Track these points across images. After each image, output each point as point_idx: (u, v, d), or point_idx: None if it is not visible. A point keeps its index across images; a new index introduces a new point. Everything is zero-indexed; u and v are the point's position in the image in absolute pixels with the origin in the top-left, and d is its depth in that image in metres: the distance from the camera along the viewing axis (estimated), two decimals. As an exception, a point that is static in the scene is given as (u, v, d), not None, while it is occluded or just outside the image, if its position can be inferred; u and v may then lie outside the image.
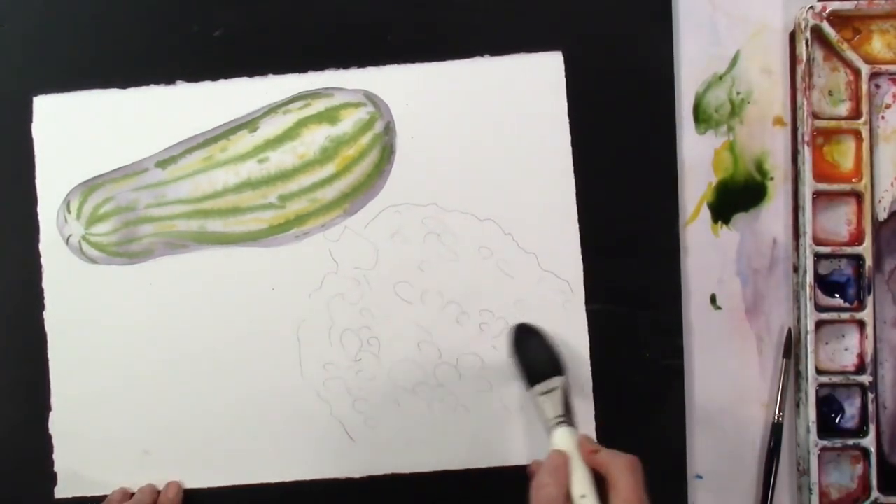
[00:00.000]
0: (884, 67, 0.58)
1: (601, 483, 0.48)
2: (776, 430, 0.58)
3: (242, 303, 0.59)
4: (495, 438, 0.59)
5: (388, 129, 0.59)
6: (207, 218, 0.60)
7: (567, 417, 0.53)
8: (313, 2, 0.60)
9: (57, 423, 0.60)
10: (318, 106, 0.60)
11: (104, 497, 0.59)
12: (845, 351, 0.58)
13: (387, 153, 0.59)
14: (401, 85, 0.59)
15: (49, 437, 0.60)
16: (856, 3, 0.58)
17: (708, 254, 0.60)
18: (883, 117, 0.59)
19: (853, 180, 0.58)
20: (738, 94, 0.60)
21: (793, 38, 0.59)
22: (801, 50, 0.58)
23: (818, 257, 0.58)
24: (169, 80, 0.60)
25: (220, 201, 0.60)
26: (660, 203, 0.59)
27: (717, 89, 0.60)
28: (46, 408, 0.60)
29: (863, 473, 0.58)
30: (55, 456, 0.60)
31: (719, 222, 0.60)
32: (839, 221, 0.59)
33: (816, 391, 0.57)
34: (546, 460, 0.50)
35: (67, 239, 0.60)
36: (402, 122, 0.59)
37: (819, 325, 0.57)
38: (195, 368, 0.59)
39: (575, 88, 0.59)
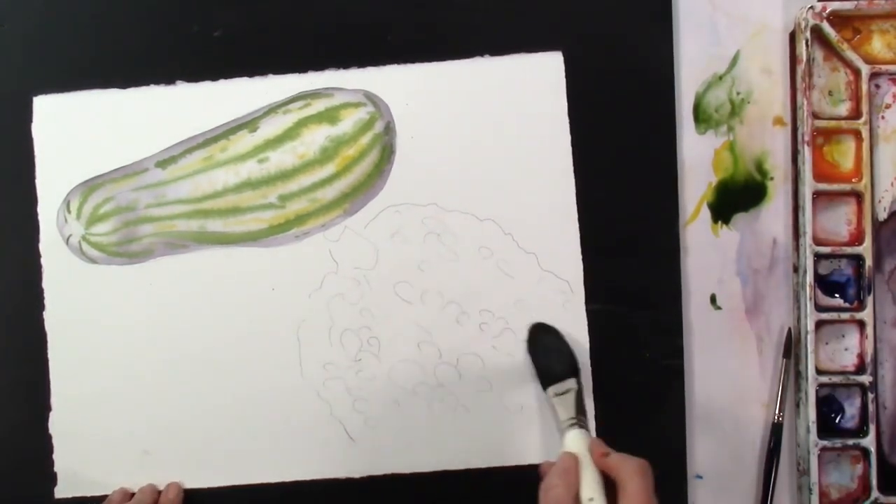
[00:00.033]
0: (884, 67, 0.58)
1: (611, 486, 0.48)
2: (776, 430, 0.58)
3: (242, 303, 0.59)
4: (495, 438, 0.59)
5: (388, 129, 0.59)
6: (207, 218, 0.60)
7: (579, 420, 0.53)
8: (313, 2, 0.60)
9: (57, 423, 0.60)
10: (318, 106, 0.60)
11: (104, 497, 0.59)
12: (845, 351, 0.58)
13: (387, 153, 0.59)
14: (401, 85, 0.59)
15: (49, 437, 0.60)
16: (856, 3, 0.58)
17: (708, 254, 0.60)
18: (883, 117, 0.59)
19: (853, 180, 0.58)
20: (738, 94, 0.60)
21: (793, 38, 0.59)
22: (801, 50, 0.58)
23: (818, 257, 0.58)
24: (169, 80, 0.60)
25: (220, 201, 0.60)
26: (660, 203, 0.59)
27: (717, 89, 0.60)
28: (46, 408, 0.60)
29: (863, 473, 0.58)
30: (55, 456, 0.60)
31: (719, 222, 0.60)
32: (839, 221, 0.59)
33: (816, 391, 0.57)
34: (557, 462, 0.50)
35: (67, 239, 0.60)
36: (402, 122, 0.59)
37: (819, 325, 0.57)
38: (195, 368, 0.59)
39: (575, 88, 0.59)
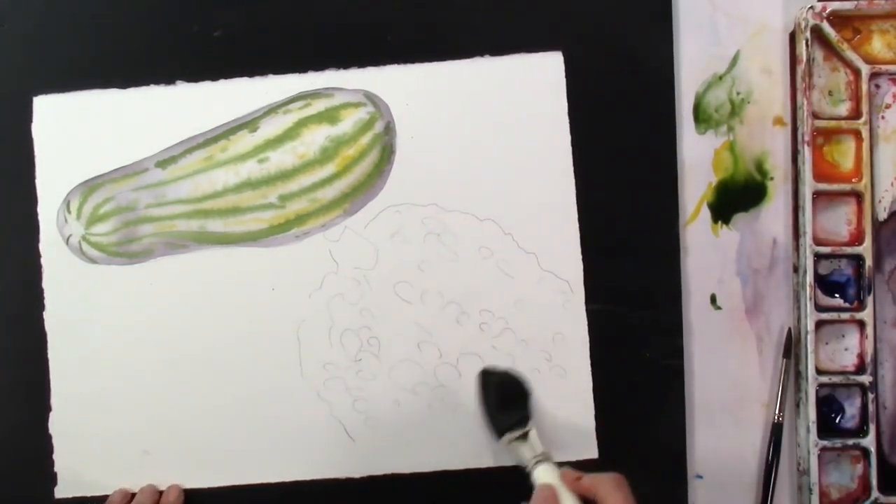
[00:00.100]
0: (884, 67, 0.58)
1: None
2: (776, 430, 0.58)
3: (242, 303, 0.59)
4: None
5: (388, 129, 0.59)
6: (207, 218, 0.60)
7: (544, 454, 0.53)
8: (313, 2, 0.60)
9: (57, 423, 0.60)
10: (318, 106, 0.60)
11: (104, 497, 0.59)
12: (845, 351, 0.58)
13: (387, 153, 0.59)
14: (401, 85, 0.59)
15: (49, 437, 0.60)
16: (856, 3, 0.58)
17: (708, 254, 0.60)
18: (883, 117, 0.59)
19: (853, 180, 0.58)
20: (738, 94, 0.60)
21: (793, 38, 0.59)
22: (801, 50, 0.58)
23: (818, 257, 0.58)
24: (169, 80, 0.60)
25: (220, 201, 0.60)
26: (660, 203, 0.59)
27: (717, 89, 0.60)
28: (46, 408, 0.60)
29: (863, 473, 0.58)
30: (55, 456, 0.60)
31: (719, 222, 0.60)
32: (839, 221, 0.59)
33: (816, 391, 0.57)
34: (534, 497, 0.50)
35: (67, 239, 0.60)
36: (402, 122, 0.59)
37: (819, 325, 0.57)
38: (195, 368, 0.59)
39: (575, 88, 0.59)
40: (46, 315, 0.60)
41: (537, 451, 0.54)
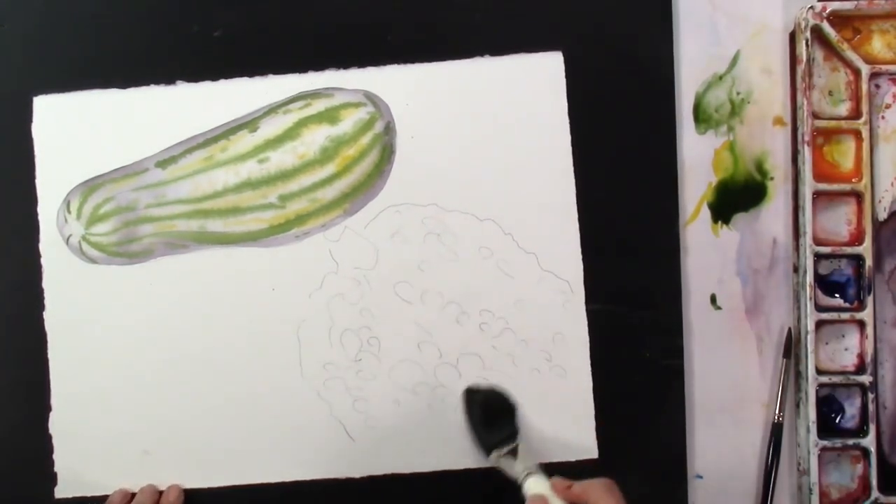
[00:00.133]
0: (884, 67, 0.58)
1: None
2: (776, 430, 0.58)
3: (242, 303, 0.59)
4: (495, 438, 0.59)
5: (388, 129, 0.59)
6: (207, 218, 0.60)
7: (533, 467, 0.53)
8: (313, 2, 0.60)
9: (57, 423, 0.60)
10: (319, 106, 0.60)
11: (104, 497, 0.59)
12: (845, 351, 0.58)
13: (387, 153, 0.59)
14: (401, 85, 0.59)
15: (49, 437, 0.60)
16: (856, 3, 0.58)
17: (708, 254, 0.60)
18: (883, 117, 0.59)
19: (853, 180, 0.58)
20: (738, 94, 0.60)
21: (793, 38, 0.59)
22: (801, 50, 0.58)
23: (818, 257, 0.58)
24: (169, 80, 0.60)
25: (220, 201, 0.60)
26: (660, 203, 0.59)
27: (717, 89, 0.60)
28: (46, 408, 0.60)
29: (863, 473, 0.58)
30: (55, 456, 0.60)
31: (719, 222, 0.60)
32: (839, 221, 0.59)
33: (816, 391, 0.57)
34: None
35: (67, 239, 0.60)
36: (402, 122, 0.59)
37: (819, 325, 0.57)
38: (195, 368, 0.59)
39: (575, 88, 0.59)
40: (46, 315, 0.60)
41: (527, 465, 0.54)
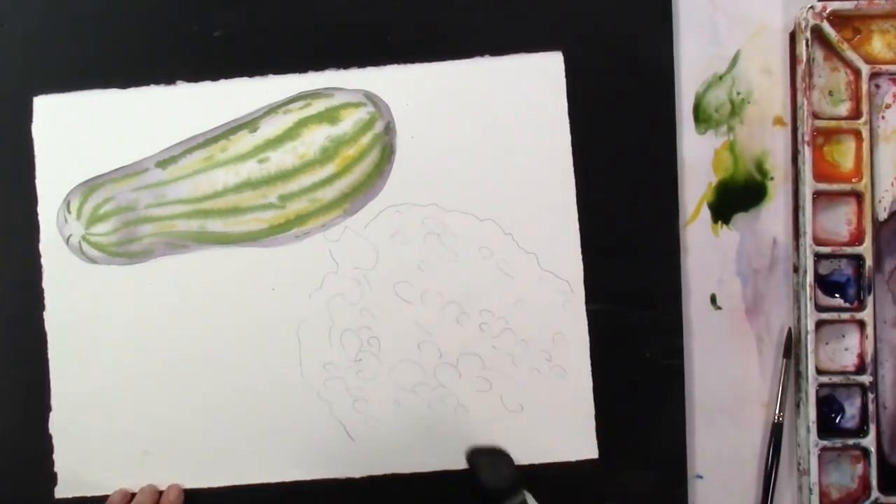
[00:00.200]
0: (884, 67, 0.58)
1: None
2: (776, 430, 0.58)
3: (242, 303, 0.59)
4: (495, 438, 0.59)
5: (389, 129, 0.59)
6: (207, 218, 0.60)
7: None
8: (313, 2, 0.60)
9: (57, 423, 0.60)
10: (319, 106, 0.60)
11: (104, 497, 0.59)
12: (845, 351, 0.58)
13: (387, 153, 0.59)
14: (401, 85, 0.59)
15: (49, 437, 0.60)
16: (856, 3, 0.58)
17: (708, 254, 0.60)
18: (883, 117, 0.59)
19: (853, 180, 0.58)
20: (738, 94, 0.60)
21: (793, 38, 0.59)
22: (801, 50, 0.58)
23: (818, 257, 0.58)
24: (169, 80, 0.60)
25: (220, 201, 0.60)
26: (660, 203, 0.59)
27: (717, 89, 0.60)
28: (46, 408, 0.60)
29: (863, 473, 0.58)
30: (55, 456, 0.60)
31: (719, 222, 0.60)
32: (839, 221, 0.59)
33: (816, 391, 0.57)
34: None
35: (67, 239, 0.60)
36: (402, 122, 0.59)
37: (819, 325, 0.57)
38: (195, 368, 0.59)
39: (575, 88, 0.59)
40: (46, 315, 0.60)
41: None
